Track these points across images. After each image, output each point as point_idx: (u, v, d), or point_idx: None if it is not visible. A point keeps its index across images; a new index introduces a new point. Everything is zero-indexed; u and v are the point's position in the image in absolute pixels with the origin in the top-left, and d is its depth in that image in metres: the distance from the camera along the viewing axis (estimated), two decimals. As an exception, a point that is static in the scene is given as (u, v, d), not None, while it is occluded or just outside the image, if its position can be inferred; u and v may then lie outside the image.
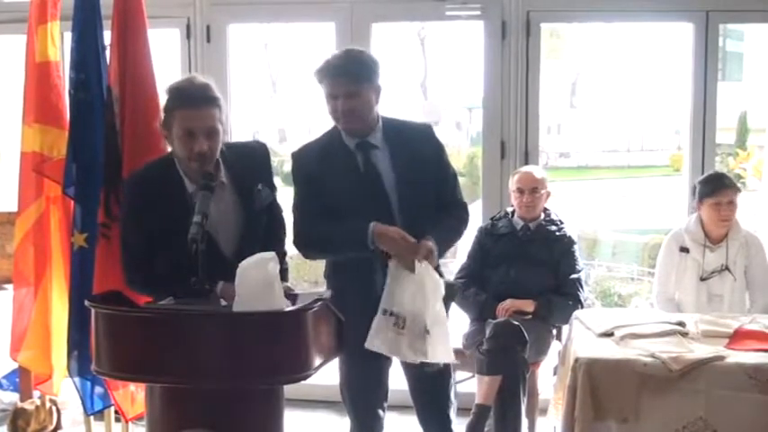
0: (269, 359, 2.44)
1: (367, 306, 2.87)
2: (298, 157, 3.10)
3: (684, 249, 3.95)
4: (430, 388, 3.08)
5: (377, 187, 2.98)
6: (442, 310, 2.92)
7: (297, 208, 3.06)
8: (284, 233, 3.03)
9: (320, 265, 3.23)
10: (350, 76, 2.91)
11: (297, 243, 3.07)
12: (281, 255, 2.96)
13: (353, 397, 3.12)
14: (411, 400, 3.17)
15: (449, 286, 3.00)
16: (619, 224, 12.13)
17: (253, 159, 2.90)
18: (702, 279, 3.90)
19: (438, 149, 3.11)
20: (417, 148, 3.04)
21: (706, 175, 4.10)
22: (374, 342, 2.85)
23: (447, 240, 3.07)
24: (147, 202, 2.74)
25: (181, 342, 2.44)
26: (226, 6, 4.72)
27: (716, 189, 3.87)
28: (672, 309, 3.91)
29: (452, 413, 3.17)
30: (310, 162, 3.04)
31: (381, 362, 3.03)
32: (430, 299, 2.85)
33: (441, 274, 3.01)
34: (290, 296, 2.77)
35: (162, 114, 2.77)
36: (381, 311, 2.84)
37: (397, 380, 3.18)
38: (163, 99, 2.80)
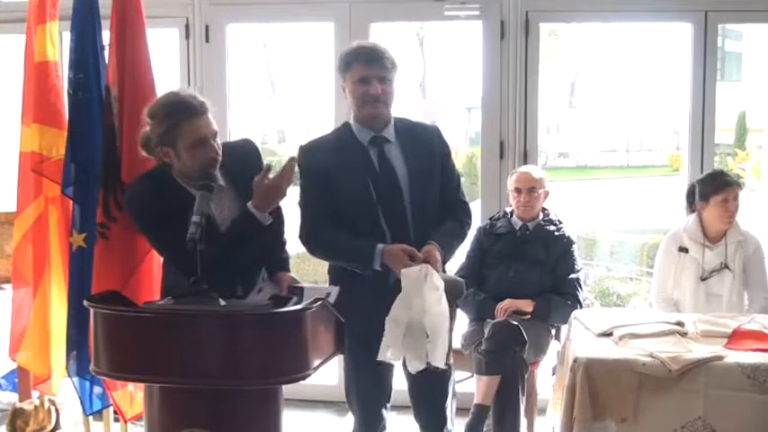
0: (268, 359, 2.44)
1: (374, 307, 2.86)
2: (309, 151, 3.08)
3: (683, 249, 3.95)
4: (427, 386, 3.08)
5: (391, 183, 3.00)
6: (443, 314, 2.82)
7: (306, 207, 3.06)
8: (282, 223, 3.00)
9: (320, 266, 3.23)
10: (384, 62, 2.99)
11: (304, 242, 3.07)
12: (281, 245, 3.00)
13: (360, 398, 3.14)
14: (409, 398, 3.17)
15: (454, 283, 2.96)
16: (618, 224, 12.13)
17: (244, 157, 2.91)
18: (703, 279, 3.90)
19: (445, 149, 3.15)
20: (426, 145, 3.09)
21: (705, 174, 4.08)
22: (385, 354, 2.84)
23: (452, 245, 3.08)
24: (159, 211, 2.72)
25: (180, 342, 2.44)
26: (224, 6, 4.71)
27: (722, 186, 3.87)
28: (670, 309, 3.91)
29: (451, 412, 3.18)
30: (323, 157, 3.03)
31: (386, 364, 3.04)
32: (428, 302, 2.80)
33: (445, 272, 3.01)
34: (296, 289, 2.77)
35: (158, 134, 2.71)
36: (387, 323, 2.82)
37: (396, 380, 3.18)
38: (156, 120, 2.72)
